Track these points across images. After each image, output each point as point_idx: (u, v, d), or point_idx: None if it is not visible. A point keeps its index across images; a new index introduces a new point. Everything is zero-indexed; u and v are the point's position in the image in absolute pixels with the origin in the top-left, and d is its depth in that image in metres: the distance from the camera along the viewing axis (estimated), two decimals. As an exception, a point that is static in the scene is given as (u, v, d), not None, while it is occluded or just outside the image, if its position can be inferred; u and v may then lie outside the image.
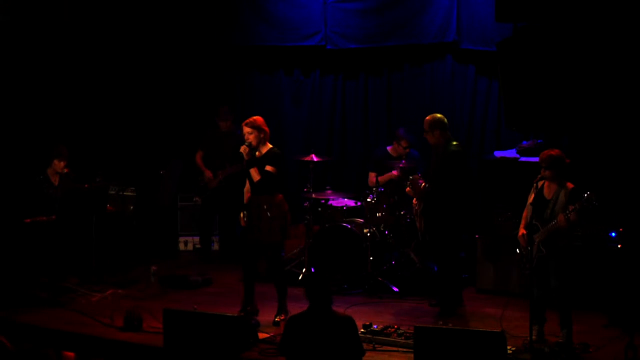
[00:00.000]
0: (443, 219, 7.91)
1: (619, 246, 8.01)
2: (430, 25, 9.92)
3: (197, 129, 10.43)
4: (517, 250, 7.13)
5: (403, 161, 9.14)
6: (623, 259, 7.93)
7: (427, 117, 8.01)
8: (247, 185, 7.75)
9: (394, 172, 9.19)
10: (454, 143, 7.96)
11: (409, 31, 10.04)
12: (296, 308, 7.14)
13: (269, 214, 7.56)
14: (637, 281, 7.72)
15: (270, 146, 7.65)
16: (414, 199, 8.16)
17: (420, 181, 8.06)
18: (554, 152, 6.93)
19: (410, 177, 8.24)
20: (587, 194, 6.57)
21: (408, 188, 8.21)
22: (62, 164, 8.97)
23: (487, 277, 8.71)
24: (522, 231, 7.03)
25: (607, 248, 8.06)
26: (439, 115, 8.02)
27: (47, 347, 7.21)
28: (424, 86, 10.37)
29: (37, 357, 7.04)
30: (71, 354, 7.13)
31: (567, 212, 6.68)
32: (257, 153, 7.64)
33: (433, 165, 8.01)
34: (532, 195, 7.01)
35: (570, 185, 6.87)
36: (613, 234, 8.07)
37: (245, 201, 7.73)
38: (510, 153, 9.13)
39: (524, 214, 7.11)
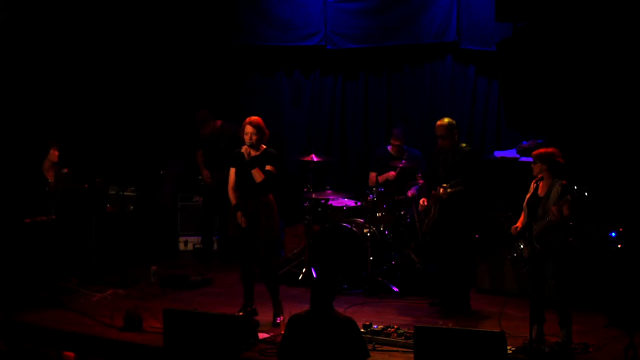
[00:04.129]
0: (465, 219, 7.93)
1: (619, 246, 8.01)
2: (430, 25, 9.93)
3: (197, 134, 10.41)
4: (513, 250, 7.13)
5: (403, 161, 9.15)
6: (623, 259, 7.94)
7: (440, 123, 7.99)
8: (232, 183, 7.68)
9: (391, 173, 9.20)
10: (464, 144, 8.01)
11: (409, 31, 10.05)
12: (296, 308, 7.13)
13: (265, 213, 7.55)
14: (637, 281, 7.72)
15: (265, 147, 7.64)
16: (422, 199, 8.15)
17: (440, 188, 7.86)
18: (544, 149, 7.00)
19: (433, 192, 8.05)
20: (578, 186, 6.58)
21: (425, 200, 8.12)
22: (56, 152, 8.94)
23: (487, 277, 8.71)
24: (518, 225, 7.06)
25: (607, 248, 8.06)
26: (448, 118, 8.04)
27: (47, 347, 7.23)
28: (424, 86, 10.37)
29: (37, 357, 7.06)
30: (71, 354, 7.15)
31: (559, 205, 6.69)
32: (252, 153, 7.61)
33: (445, 167, 7.94)
34: (528, 195, 7.04)
35: (563, 182, 6.89)
36: (613, 234, 8.07)
37: (234, 201, 7.68)
38: (510, 153, 9.14)
39: (522, 214, 7.12)
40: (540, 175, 7.03)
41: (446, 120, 8.01)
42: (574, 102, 8.21)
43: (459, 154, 7.93)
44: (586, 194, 6.54)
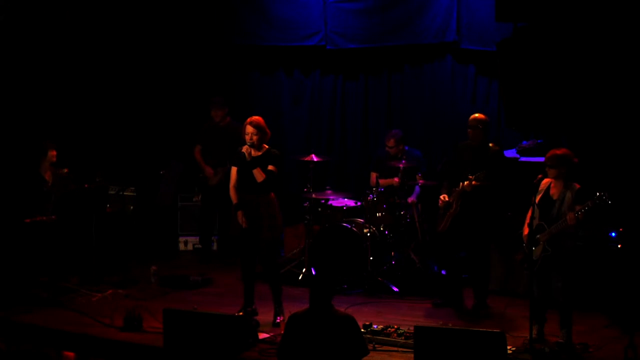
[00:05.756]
0: (486, 218, 7.90)
1: (619, 246, 8.01)
2: (430, 25, 9.93)
3: (197, 129, 10.42)
4: (521, 251, 7.12)
5: (403, 161, 9.14)
6: (623, 259, 7.93)
7: (475, 115, 7.99)
8: (233, 182, 7.67)
9: (396, 180, 9.18)
10: (492, 144, 8.00)
11: (409, 31, 10.05)
12: (296, 308, 7.12)
13: (267, 212, 7.56)
14: (637, 281, 7.72)
15: (268, 147, 7.64)
16: (443, 195, 8.05)
17: (465, 181, 7.79)
18: (560, 151, 6.93)
19: (455, 189, 7.96)
20: (600, 193, 6.55)
21: (447, 196, 8.01)
22: (54, 152, 8.94)
23: (490, 278, 8.68)
24: (527, 230, 7.03)
25: (607, 248, 8.05)
26: (483, 115, 8.06)
27: (47, 347, 7.23)
28: (424, 86, 10.38)
29: (37, 357, 7.06)
30: (71, 354, 7.15)
31: (577, 211, 6.66)
32: (254, 153, 7.60)
33: (472, 165, 7.86)
34: (539, 196, 6.99)
35: (577, 185, 6.87)
36: (613, 234, 8.07)
37: (235, 200, 7.67)
38: (510, 153, 9.13)
39: (528, 214, 7.11)
40: (540, 176, 7.01)
41: (480, 114, 8.02)
42: (574, 102, 8.21)
43: (485, 154, 7.87)
44: (610, 201, 6.51)
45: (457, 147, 8.24)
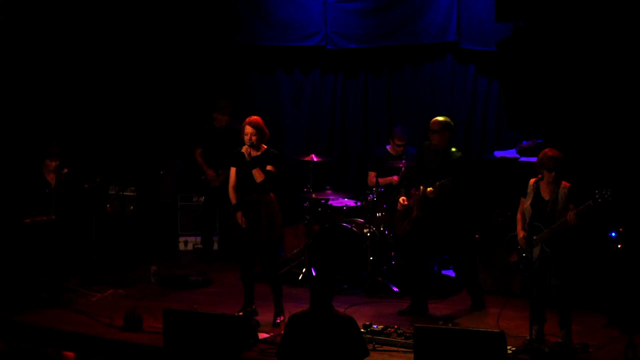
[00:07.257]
0: (453, 217, 7.88)
1: (619, 246, 8.01)
2: (430, 25, 9.93)
3: (197, 129, 10.42)
4: (516, 253, 7.12)
5: (403, 161, 9.14)
6: (623, 259, 7.93)
7: (438, 118, 7.91)
8: (232, 183, 7.68)
9: (395, 178, 9.19)
10: (454, 149, 7.92)
11: (409, 31, 10.05)
12: (296, 308, 7.13)
13: (267, 212, 7.56)
14: (637, 281, 7.72)
15: (266, 147, 7.64)
16: (402, 198, 8.02)
17: (427, 188, 7.75)
18: (555, 152, 6.93)
19: (413, 191, 7.96)
20: (603, 191, 6.54)
21: (406, 200, 7.97)
22: (54, 163, 8.91)
23: (486, 277, 8.70)
24: (522, 233, 7.03)
25: (607, 248, 8.06)
26: (447, 117, 7.99)
27: (47, 347, 7.23)
28: (424, 86, 10.37)
29: (37, 357, 7.06)
30: (71, 354, 7.15)
31: (578, 210, 6.66)
32: (253, 153, 7.60)
33: (432, 169, 7.84)
34: (530, 199, 7.00)
35: (566, 184, 6.88)
36: (613, 234, 8.07)
37: (234, 201, 7.67)
38: (510, 153, 9.14)
39: (519, 216, 7.11)
40: (540, 176, 7.01)
41: (443, 117, 7.96)
42: (574, 102, 8.20)
43: (448, 159, 7.80)
44: (610, 198, 6.51)
45: (419, 148, 8.19)
